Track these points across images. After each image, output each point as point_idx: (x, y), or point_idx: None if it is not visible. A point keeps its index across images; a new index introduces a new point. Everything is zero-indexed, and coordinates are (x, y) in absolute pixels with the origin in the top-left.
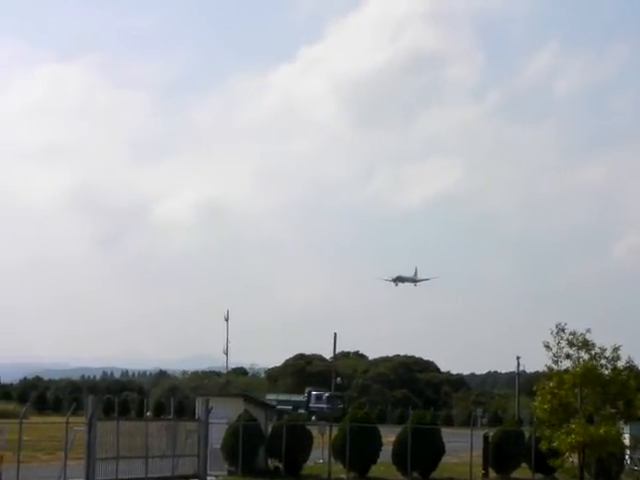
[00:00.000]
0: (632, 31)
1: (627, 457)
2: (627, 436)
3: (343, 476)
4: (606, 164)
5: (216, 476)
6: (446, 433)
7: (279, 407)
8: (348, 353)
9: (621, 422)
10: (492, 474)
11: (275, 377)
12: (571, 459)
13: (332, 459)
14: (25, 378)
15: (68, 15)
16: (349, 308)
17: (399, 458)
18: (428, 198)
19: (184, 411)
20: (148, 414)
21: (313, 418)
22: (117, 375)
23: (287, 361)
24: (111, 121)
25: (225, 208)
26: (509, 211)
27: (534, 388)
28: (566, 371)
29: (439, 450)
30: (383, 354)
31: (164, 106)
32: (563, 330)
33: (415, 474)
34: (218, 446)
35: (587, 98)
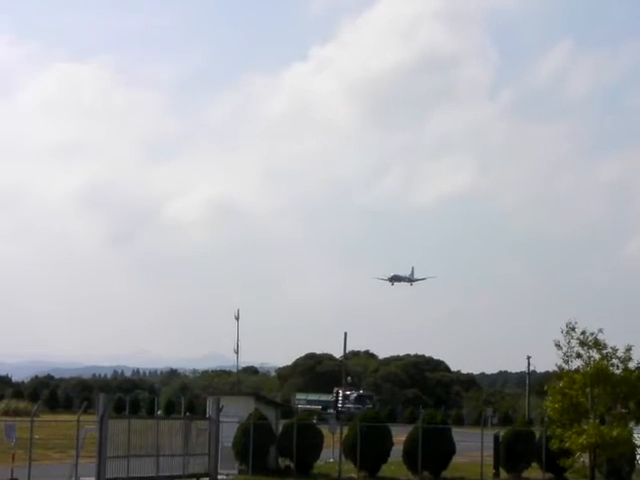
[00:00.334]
0: None
1: (638, 457)
2: (637, 436)
3: (354, 475)
4: (619, 163)
5: (227, 475)
6: (457, 433)
7: (308, 407)
8: (358, 352)
9: (632, 422)
10: (503, 474)
11: (286, 376)
12: (582, 459)
13: (343, 458)
14: (36, 376)
15: (83, 15)
16: (360, 307)
17: (410, 457)
18: (441, 197)
19: (195, 410)
20: (159, 413)
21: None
22: (128, 374)
23: (297, 360)
24: (125, 120)
25: (237, 207)
26: (522, 209)
27: (545, 388)
28: (577, 371)
29: (450, 450)
30: (393, 353)
31: (177, 105)
32: (574, 329)
33: (426, 473)
34: (229, 445)
35: (600, 96)
